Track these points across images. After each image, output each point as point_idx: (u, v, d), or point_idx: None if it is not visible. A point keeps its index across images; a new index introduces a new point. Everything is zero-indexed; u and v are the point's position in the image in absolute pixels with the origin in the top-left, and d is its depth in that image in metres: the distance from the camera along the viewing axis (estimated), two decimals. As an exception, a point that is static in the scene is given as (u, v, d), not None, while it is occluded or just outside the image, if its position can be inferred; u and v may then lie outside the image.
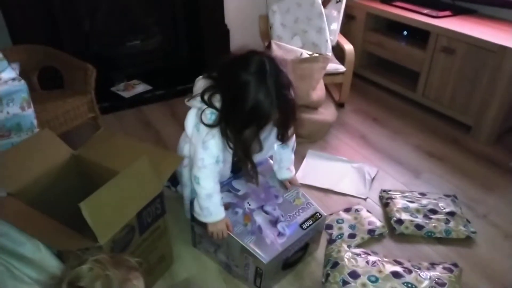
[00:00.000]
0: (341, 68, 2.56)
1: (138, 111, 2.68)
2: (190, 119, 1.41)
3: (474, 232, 1.67)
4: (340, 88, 2.68)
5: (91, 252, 0.92)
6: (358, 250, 1.43)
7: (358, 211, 1.77)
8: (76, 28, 2.66)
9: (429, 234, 1.67)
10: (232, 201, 1.49)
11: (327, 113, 2.41)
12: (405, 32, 2.76)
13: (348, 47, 2.60)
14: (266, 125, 1.26)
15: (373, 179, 2.03)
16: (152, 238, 1.35)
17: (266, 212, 1.46)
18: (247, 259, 1.36)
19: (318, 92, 2.30)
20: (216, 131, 1.31)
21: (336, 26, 2.71)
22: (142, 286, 0.95)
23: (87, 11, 2.70)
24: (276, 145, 1.55)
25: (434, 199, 1.82)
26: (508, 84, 2.11)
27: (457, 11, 2.58)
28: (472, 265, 1.55)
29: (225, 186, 1.53)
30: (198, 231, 1.53)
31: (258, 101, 1.18)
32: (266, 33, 2.76)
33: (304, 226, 1.43)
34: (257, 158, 1.53)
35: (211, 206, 1.38)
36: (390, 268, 1.33)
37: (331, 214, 1.76)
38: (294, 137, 1.54)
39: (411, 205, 1.77)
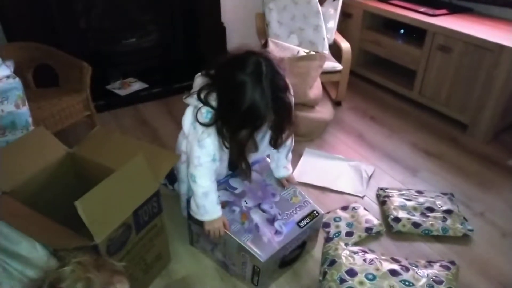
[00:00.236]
0: (338, 66, 2.56)
1: (134, 109, 2.66)
2: (187, 117, 1.40)
3: (471, 230, 1.67)
4: (337, 87, 2.68)
5: (75, 254, 0.91)
6: (355, 248, 1.42)
7: (355, 209, 1.77)
8: (72, 26, 2.64)
9: (426, 232, 1.67)
10: (229, 199, 1.48)
11: (324, 111, 2.40)
12: (402, 31, 2.76)
13: (345, 45, 2.60)
14: (261, 126, 1.25)
15: (370, 177, 2.03)
16: (149, 236, 1.34)
17: (263, 210, 1.45)
18: (244, 257, 1.35)
19: (315, 90, 2.30)
20: (212, 130, 1.30)
21: (333, 24, 2.71)
22: None
23: (83, 8, 2.68)
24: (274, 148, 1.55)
25: (431, 197, 1.82)
26: (505, 82, 2.12)
27: (454, 10, 2.59)
28: (469, 263, 1.56)
29: (222, 185, 1.52)
30: (195, 230, 1.52)
31: (253, 102, 1.17)
32: (263, 31, 2.75)
33: (302, 224, 1.43)
34: (254, 157, 1.53)
35: (207, 204, 1.37)
36: (387, 266, 1.32)
37: (328, 212, 1.76)
38: (292, 137, 1.53)
39: (408, 203, 1.77)
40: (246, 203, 1.47)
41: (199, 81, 1.36)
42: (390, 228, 1.70)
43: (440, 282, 1.30)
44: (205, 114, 1.29)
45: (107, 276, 0.89)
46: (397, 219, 1.69)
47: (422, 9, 2.57)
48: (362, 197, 1.90)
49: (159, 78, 2.91)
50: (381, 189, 1.92)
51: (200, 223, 1.41)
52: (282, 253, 1.38)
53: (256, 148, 1.43)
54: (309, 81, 2.22)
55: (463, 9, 2.63)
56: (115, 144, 1.49)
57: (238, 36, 3.12)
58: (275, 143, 1.41)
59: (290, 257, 1.45)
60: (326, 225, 1.69)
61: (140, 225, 1.28)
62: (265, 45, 2.31)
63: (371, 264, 1.33)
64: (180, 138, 1.55)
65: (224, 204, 1.45)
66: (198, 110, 1.30)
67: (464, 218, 1.72)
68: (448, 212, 1.73)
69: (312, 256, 1.57)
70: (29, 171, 1.36)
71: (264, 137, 1.44)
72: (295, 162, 2.03)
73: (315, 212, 1.48)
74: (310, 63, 2.19)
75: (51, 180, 1.42)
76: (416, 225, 1.68)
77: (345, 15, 2.93)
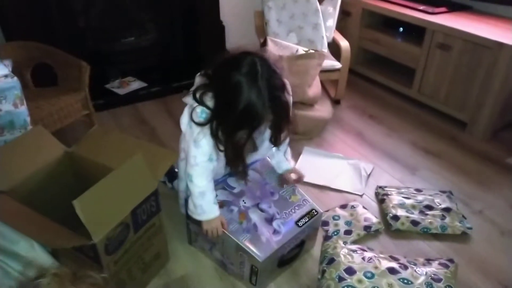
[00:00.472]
0: (337, 64, 2.55)
1: (133, 108, 2.66)
2: (185, 116, 1.40)
3: (469, 228, 1.67)
4: (336, 85, 2.67)
5: (54, 266, 0.91)
6: (354, 247, 1.42)
7: (354, 207, 1.77)
8: (71, 25, 2.64)
9: (425, 230, 1.67)
10: (227, 199, 1.48)
11: (323, 110, 2.40)
12: (401, 29, 2.76)
13: (344, 43, 2.60)
14: (259, 126, 1.24)
15: (369, 175, 2.03)
16: (147, 235, 1.34)
17: (262, 210, 1.45)
18: (242, 257, 1.35)
19: (314, 88, 2.30)
20: (207, 130, 1.30)
21: (332, 22, 2.71)
22: None
23: (82, 7, 2.68)
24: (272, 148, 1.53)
25: (430, 195, 1.82)
26: (504, 80, 2.11)
27: (453, 7, 2.58)
28: (468, 261, 1.56)
29: (220, 184, 1.52)
30: (194, 229, 1.52)
31: (250, 102, 1.16)
32: (262, 29, 2.75)
33: (300, 223, 1.43)
34: (254, 157, 1.52)
35: (204, 204, 1.37)
36: (386, 264, 1.32)
37: (327, 211, 1.76)
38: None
39: (407, 201, 1.77)
40: (245, 202, 1.47)
41: (197, 80, 1.36)
42: (389, 226, 1.70)
43: (439, 280, 1.30)
44: (200, 113, 1.29)
45: None
46: (396, 217, 1.69)
47: (421, 7, 2.56)
48: (361, 196, 1.90)
49: (158, 77, 2.91)
50: (380, 187, 1.92)
51: (199, 223, 1.41)
52: (280, 253, 1.38)
53: (255, 149, 1.43)
54: (308, 80, 2.22)
55: (462, 7, 2.63)
56: (114, 143, 1.49)
57: (237, 34, 3.11)
58: (275, 142, 1.41)
59: (288, 256, 1.45)
60: (325, 223, 1.69)
61: (138, 224, 1.28)
62: (264, 43, 2.31)
63: (370, 262, 1.33)
64: (181, 136, 1.55)
65: (222, 204, 1.44)
66: (193, 109, 1.30)
67: (463, 216, 1.72)
68: (447, 210, 1.73)
69: (311, 255, 1.57)
70: (27, 171, 1.36)
71: (263, 139, 1.44)
72: (294, 161, 2.03)
73: (313, 211, 1.48)
74: (309, 61, 2.19)
75: (49, 180, 1.42)
76: (414, 223, 1.68)
77: (344, 13, 2.92)
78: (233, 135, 1.25)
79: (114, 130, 2.35)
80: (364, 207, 1.78)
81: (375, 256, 1.36)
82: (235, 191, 1.51)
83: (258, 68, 1.17)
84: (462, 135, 2.37)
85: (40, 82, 2.18)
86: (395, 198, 1.79)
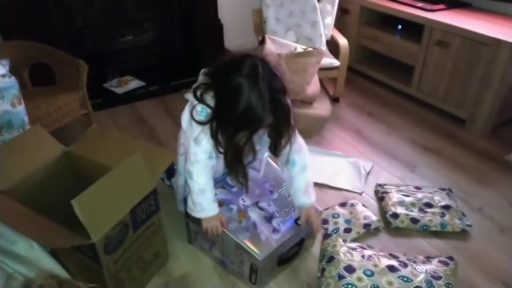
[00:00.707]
0: (336, 62, 2.55)
1: (131, 107, 2.65)
2: (186, 113, 1.40)
3: (469, 226, 1.67)
4: (334, 83, 2.67)
5: (41, 276, 0.89)
6: (353, 245, 1.43)
7: (353, 205, 1.77)
8: (69, 24, 2.63)
9: (425, 227, 1.67)
10: (227, 197, 1.48)
11: (322, 107, 2.40)
12: (400, 26, 2.76)
13: (342, 41, 2.59)
14: (259, 128, 1.23)
15: (368, 173, 2.03)
16: (147, 234, 1.34)
17: (261, 208, 1.45)
18: (242, 255, 1.35)
19: (313, 86, 2.29)
20: (208, 130, 1.29)
21: (330, 20, 2.70)
22: None
23: (80, 6, 2.67)
24: (285, 168, 1.45)
25: (429, 193, 1.82)
26: (503, 77, 2.11)
27: (451, 5, 2.58)
28: (468, 258, 1.56)
29: (219, 183, 1.52)
30: (193, 228, 1.52)
31: (250, 104, 1.15)
32: (260, 28, 2.74)
33: (300, 221, 1.42)
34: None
35: (204, 202, 1.37)
36: (385, 262, 1.33)
37: (326, 209, 1.76)
38: (305, 152, 1.43)
39: (407, 199, 1.77)
40: (244, 201, 1.47)
41: (201, 78, 1.36)
42: (389, 224, 1.70)
43: (439, 278, 1.30)
44: (200, 111, 1.29)
45: None
46: (395, 215, 1.69)
47: (419, 4, 2.56)
48: (360, 194, 1.90)
49: (156, 76, 2.90)
50: (379, 185, 1.92)
51: (198, 221, 1.41)
52: (280, 251, 1.38)
53: (254, 155, 1.42)
54: (306, 78, 2.21)
55: (461, 4, 2.62)
56: (112, 142, 1.49)
57: (235, 33, 3.11)
58: (275, 149, 1.38)
59: (288, 255, 1.45)
60: (325, 221, 1.69)
61: (137, 224, 1.27)
62: (262, 41, 2.30)
63: (370, 260, 1.33)
64: (180, 131, 1.55)
65: (221, 203, 1.44)
66: (193, 107, 1.30)
67: (462, 214, 1.72)
68: (446, 207, 1.73)
69: (310, 253, 1.57)
70: (26, 170, 1.36)
71: (263, 145, 1.44)
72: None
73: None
74: (308, 59, 2.18)
75: (48, 179, 1.42)
76: (414, 221, 1.68)
77: (342, 11, 2.92)
78: (233, 136, 1.25)
79: (112, 129, 2.35)
80: (363, 205, 1.78)
81: (374, 254, 1.36)
82: (234, 189, 1.51)
83: (259, 70, 1.16)
84: (461, 132, 2.37)
85: (38, 82, 2.18)
86: (394, 196, 1.79)
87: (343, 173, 2.03)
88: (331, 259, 1.36)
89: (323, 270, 1.35)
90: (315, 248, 1.58)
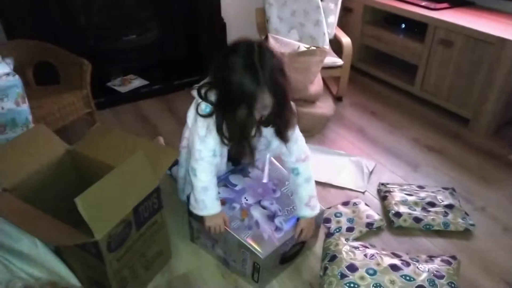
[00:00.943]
0: (339, 61, 2.55)
1: (134, 106, 2.66)
2: (192, 110, 1.42)
3: (472, 225, 1.67)
4: (337, 82, 2.67)
5: (37, 282, 0.89)
6: (356, 243, 1.42)
7: (356, 204, 1.77)
8: (72, 23, 2.64)
9: (427, 227, 1.67)
10: (229, 196, 1.48)
11: (324, 106, 2.40)
12: (403, 25, 2.75)
13: (345, 40, 2.59)
14: (257, 103, 1.21)
15: (371, 172, 2.03)
16: (150, 233, 1.35)
17: (264, 207, 1.45)
18: (245, 254, 1.35)
19: (316, 85, 2.29)
20: (213, 127, 1.30)
21: (333, 19, 2.70)
22: None
23: (82, 5, 2.68)
24: (291, 174, 1.46)
25: (432, 192, 1.82)
26: (506, 76, 2.10)
27: (455, 3, 2.57)
28: (471, 258, 1.55)
29: (222, 181, 1.52)
30: (196, 226, 1.52)
31: (244, 79, 1.16)
32: (263, 26, 2.74)
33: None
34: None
35: (207, 199, 1.37)
36: (388, 261, 1.32)
37: (329, 208, 1.76)
38: (308, 163, 1.44)
39: (409, 198, 1.77)
40: (246, 199, 1.47)
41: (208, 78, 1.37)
42: (391, 223, 1.69)
43: (441, 277, 1.30)
44: (204, 109, 1.31)
45: None
46: (398, 214, 1.69)
47: (423, 3, 2.55)
48: (363, 193, 1.90)
49: (159, 75, 2.91)
50: (382, 184, 1.91)
51: (201, 220, 1.41)
52: (282, 250, 1.38)
53: (259, 133, 1.40)
54: (309, 77, 2.21)
55: (464, 2, 2.61)
56: (115, 141, 1.49)
57: (238, 32, 3.09)
58: (281, 135, 1.37)
59: (290, 253, 1.45)
60: (327, 220, 1.69)
61: (140, 222, 1.28)
62: (265, 40, 2.30)
63: (372, 259, 1.33)
64: (185, 126, 1.56)
65: (224, 201, 1.45)
66: (198, 104, 1.32)
67: (466, 213, 1.72)
68: (449, 207, 1.73)
69: (313, 252, 1.57)
70: (30, 169, 1.37)
71: (265, 147, 1.44)
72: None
73: (315, 207, 1.47)
74: (311, 58, 2.18)
75: (52, 177, 1.42)
76: (417, 220, 1.67)
77: (345, 10, 2.91)
78: (235, 115, 1.24)
79: (115, 128, 2.35)
80: (366, 204, 1.78)
81: (377, 253, 1.36)
82: (237, 188, 1.51)
83: (255, 47, 1.18)
84: (465, 131, 2.36)
85: (42, 81, 2.19)
86: (397, 195, 1.79)
87: (346, 172, 2.02)
88: (333, 258, 1.36)
89: (325, 268, 1.35)
90: (318, 247, 1.58)
